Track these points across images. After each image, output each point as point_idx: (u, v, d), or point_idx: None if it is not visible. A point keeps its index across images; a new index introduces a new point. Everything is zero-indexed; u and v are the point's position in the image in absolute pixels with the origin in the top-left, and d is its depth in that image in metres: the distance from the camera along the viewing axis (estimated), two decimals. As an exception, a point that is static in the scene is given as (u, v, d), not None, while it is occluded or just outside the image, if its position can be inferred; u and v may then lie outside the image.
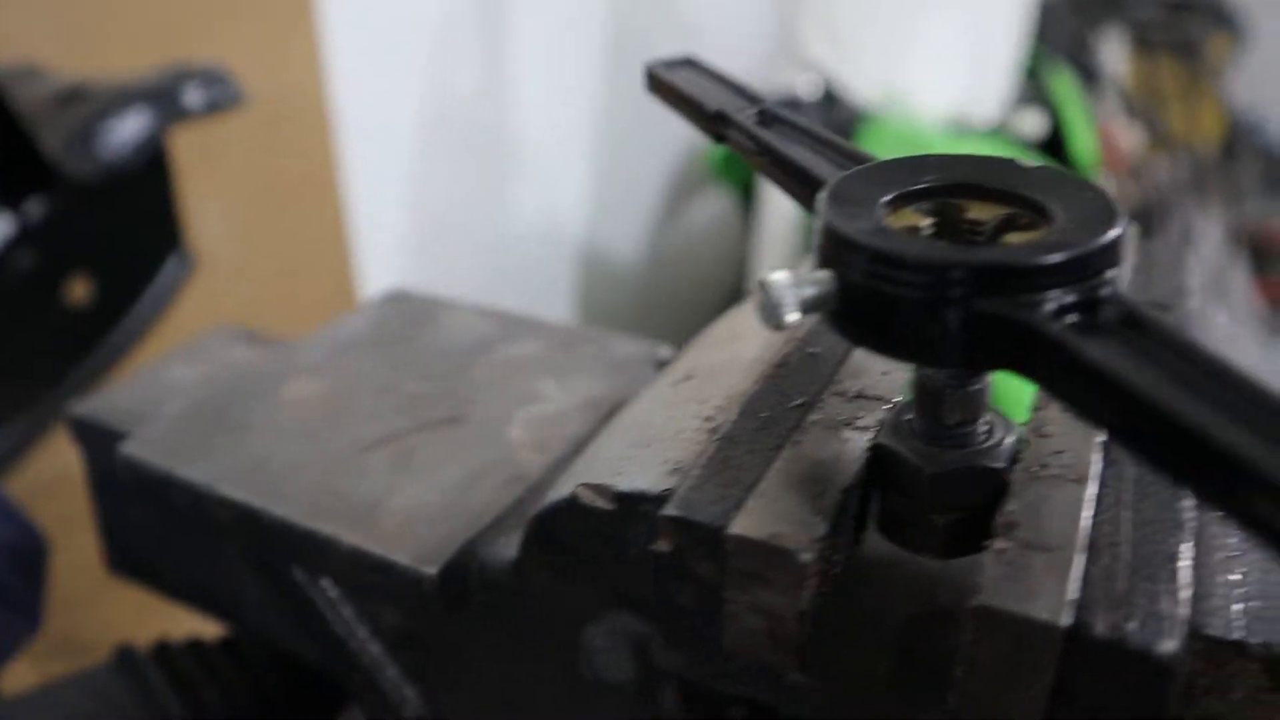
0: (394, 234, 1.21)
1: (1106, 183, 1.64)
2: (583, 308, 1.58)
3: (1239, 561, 0.25)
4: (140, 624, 0.57)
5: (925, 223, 0.24)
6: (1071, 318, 0.21)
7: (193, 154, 0.90)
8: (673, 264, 1.74)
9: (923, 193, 0.25)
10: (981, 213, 0.24)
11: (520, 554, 0.33)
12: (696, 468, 0.26)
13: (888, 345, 0.23)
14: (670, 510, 0.24)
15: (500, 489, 0.38)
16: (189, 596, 0.48)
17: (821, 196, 0.24)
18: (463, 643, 0.37)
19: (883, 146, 1.14)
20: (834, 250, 0.23)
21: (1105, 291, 0.21)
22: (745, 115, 0.31)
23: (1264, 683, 0.23)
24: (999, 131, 1.32)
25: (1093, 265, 0.21)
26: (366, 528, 0.36)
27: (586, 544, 0.29)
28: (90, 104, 0.78)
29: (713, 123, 0.32)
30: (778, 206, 1.25)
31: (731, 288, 1.57)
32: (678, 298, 1.68)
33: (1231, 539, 0.25)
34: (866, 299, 0.22)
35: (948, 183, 0.25)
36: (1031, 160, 0.26)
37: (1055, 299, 0.21)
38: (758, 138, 0.30)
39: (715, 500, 0.24)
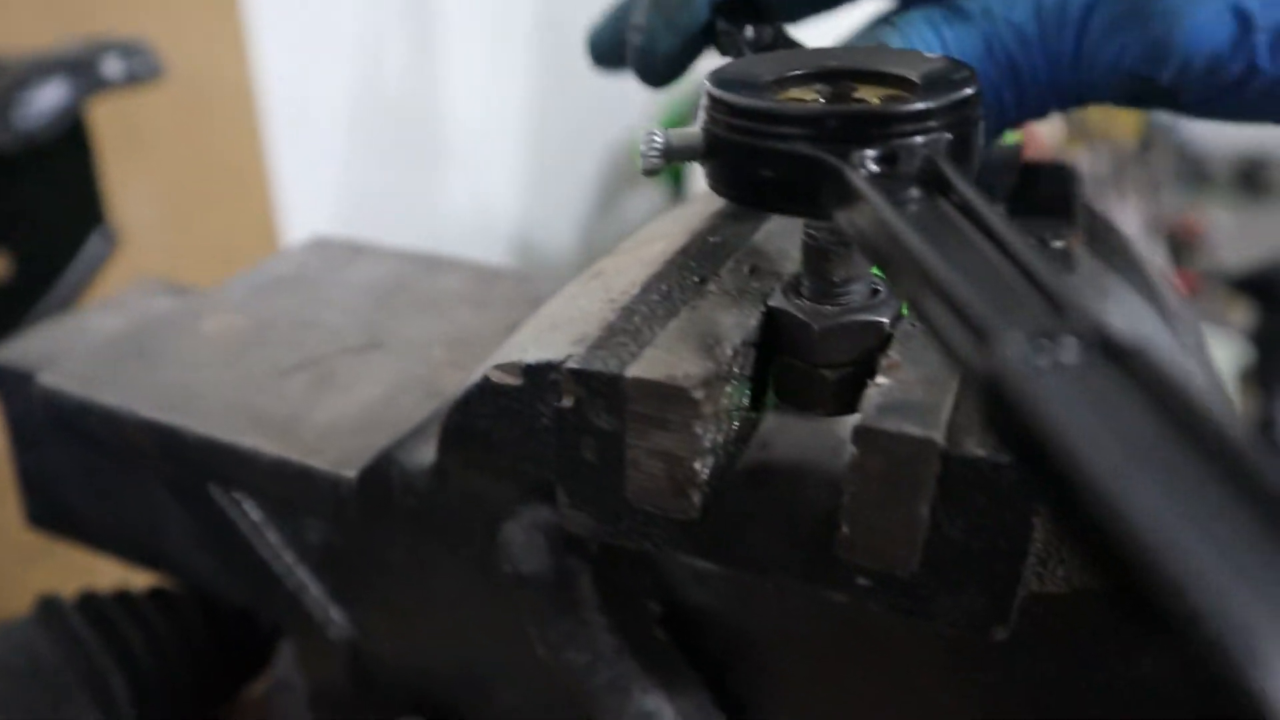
0: (323, 220, 1.20)
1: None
2: (518, 298, 1.58)
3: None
4: (64, 589, 0.56)
5: (812, 97, 0.26)
6: (877, 168, 0.22)
7: (116, 132, 0.89)
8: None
9: (809, 75, 0.26)
10: (867, 93, 0.26)
11: (438, 452, 0.33)
12: (597, 333, 0.27)
13: (756, 196, 0.24)
14: (570, 364, 0.25)
15: (419, 402, 0.38)
16: (111, 543, 0.48)
17: (707, 75, 0.26)
18: (385, 555, 0.38)
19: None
20: (710, 113, 0.24)
21: (902, 146, 0.22)
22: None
23: None
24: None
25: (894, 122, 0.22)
26: (287, 440, 0.37)
27: (498, 426, 0.30)
28: (7, 75, 0.76)
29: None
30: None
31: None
32: (613, 287, 1.68)
33: None
34: (734, 151, 0.24)
35: (836, 67, 0.26)
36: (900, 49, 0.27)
37: (861, 151, 0.22)
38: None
39: (614, 355, 0.25)
